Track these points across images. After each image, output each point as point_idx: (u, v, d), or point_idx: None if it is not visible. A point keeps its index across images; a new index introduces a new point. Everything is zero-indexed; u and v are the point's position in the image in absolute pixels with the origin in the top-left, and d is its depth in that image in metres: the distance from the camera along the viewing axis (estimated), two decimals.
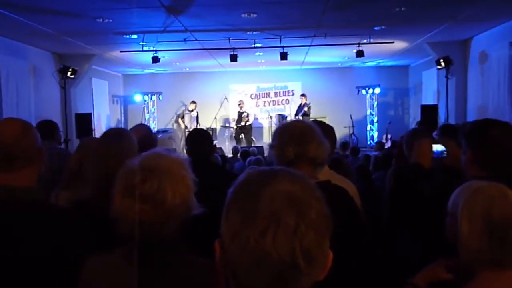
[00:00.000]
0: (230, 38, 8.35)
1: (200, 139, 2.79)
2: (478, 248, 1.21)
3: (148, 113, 13.55)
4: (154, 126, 13.46)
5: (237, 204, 0.75)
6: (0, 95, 7.54)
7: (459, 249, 1.26)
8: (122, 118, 14.22)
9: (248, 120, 12.55)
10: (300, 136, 1.62)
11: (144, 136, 2.64)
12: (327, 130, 2.54)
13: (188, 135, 2.97)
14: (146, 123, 13.26)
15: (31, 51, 8.62)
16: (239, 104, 12.93)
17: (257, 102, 14.14)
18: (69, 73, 8.98)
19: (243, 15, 6.68)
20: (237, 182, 0.78)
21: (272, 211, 0.70)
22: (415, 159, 2.55)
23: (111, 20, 6.76)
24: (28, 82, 8.48)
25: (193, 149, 2.76)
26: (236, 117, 12.92)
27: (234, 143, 11.79)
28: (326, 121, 12.15)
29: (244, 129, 12.47)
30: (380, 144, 9.77)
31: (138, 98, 13.26)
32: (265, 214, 0.70)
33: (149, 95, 13.30)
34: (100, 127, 12.32)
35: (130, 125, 13.95)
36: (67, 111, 9.27)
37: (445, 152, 2.65)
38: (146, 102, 13.43)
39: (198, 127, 12.34)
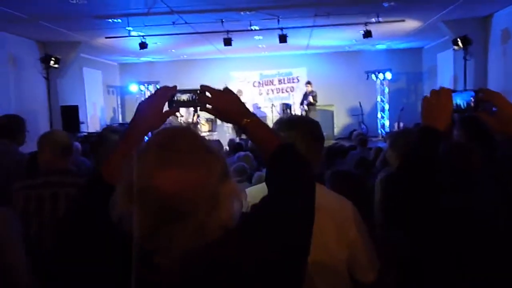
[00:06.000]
0: (223, 20, 7.62)
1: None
2: None
3: None
4: None
5: None
6: None
7: None
8: (119, 110, 13.60)
9: None
10: None
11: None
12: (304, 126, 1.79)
13: None
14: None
15: (9, 39, 7.97)
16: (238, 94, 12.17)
17: (260, 90, 13.38)
18: (52, 62, 8.32)
19: None
20: None
21: None
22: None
23: (85, 1, 6.08)
24: (7, 72, 7.85)
25: None
26: None
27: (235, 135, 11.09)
28: (334, 109, 11.50)
29: None
30: None
31: (133, 88, 12.60)
32: None
33: (146, 84, 12.62)
34: (94, 119, 11.75)
35: (128, 117, 13.43)
36: (52, 104, 8.64)
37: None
38: (143, 92, 12.77)
39: (198, 117, 11.77)
